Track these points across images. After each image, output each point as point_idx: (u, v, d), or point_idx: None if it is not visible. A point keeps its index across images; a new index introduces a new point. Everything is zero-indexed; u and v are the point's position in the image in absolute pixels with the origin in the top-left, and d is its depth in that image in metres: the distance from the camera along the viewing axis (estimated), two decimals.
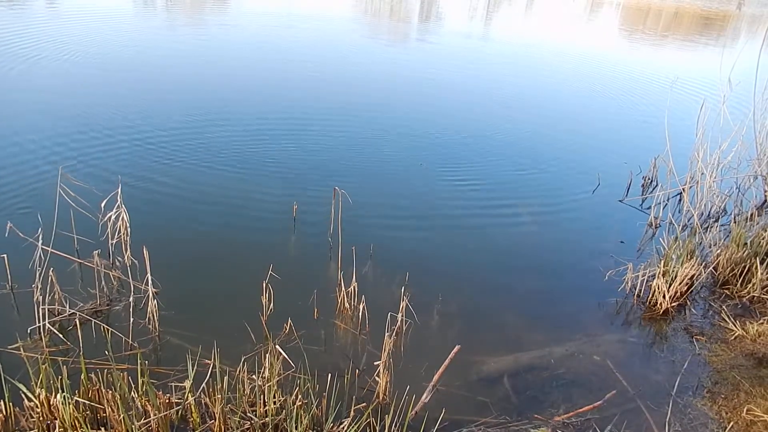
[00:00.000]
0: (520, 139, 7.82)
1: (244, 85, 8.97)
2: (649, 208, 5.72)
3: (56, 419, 2.68)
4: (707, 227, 5.30)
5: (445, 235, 5.11)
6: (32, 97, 7.36)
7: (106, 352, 3.09)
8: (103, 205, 3.84)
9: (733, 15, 29.10)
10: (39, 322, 3.33)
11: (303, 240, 4.69)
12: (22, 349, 3.14)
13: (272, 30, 13.02)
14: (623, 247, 5.19)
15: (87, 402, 2.74)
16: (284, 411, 2.83)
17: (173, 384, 3.03)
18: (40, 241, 3.62)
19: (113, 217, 3.83)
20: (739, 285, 4.56)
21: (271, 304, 3.59)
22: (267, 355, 2.91)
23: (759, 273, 4.46)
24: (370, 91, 9.33)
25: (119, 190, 3.75)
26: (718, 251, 4.72)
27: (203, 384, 2.92)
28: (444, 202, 5.71)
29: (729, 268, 4.62)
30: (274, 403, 2.84)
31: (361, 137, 7.15)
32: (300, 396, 2.84)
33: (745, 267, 4.58)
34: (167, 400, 2.83)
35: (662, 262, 4.34)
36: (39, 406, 2.72)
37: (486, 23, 20.59)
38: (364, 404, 3.05)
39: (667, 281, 4.23)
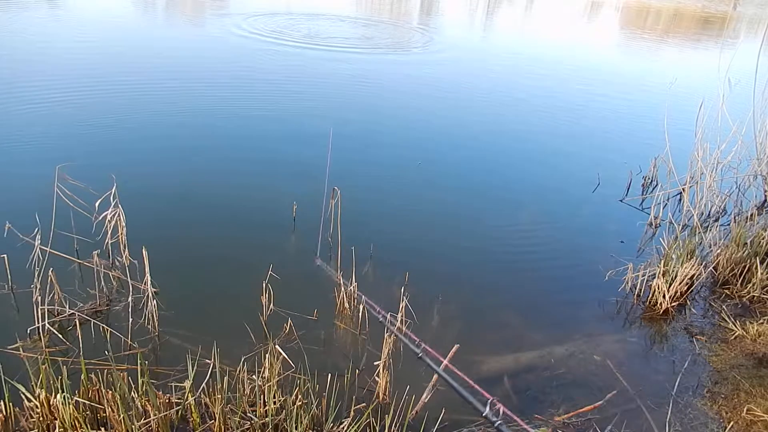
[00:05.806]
0: (520, 139, 7.82)
1: (244, 85, 8.96)
2: (649, 207, 5.72)
3: (56, 419, 2.68)
4: (707, 227, 5.30)
5: (445, 235, 5.10)
6: (27, 95, 7.35)
7: (106, 352, 3.09)
8: (97, 204, 3.83)
9: (731, 15, 29.12)
10: (38, 323, 3.33)
11: (303, 240, 4.68)
12: (21, 349, 3.14)
13: (270, 29, 13.00)
14: (623, 247, 5.19)
15: (87, 402, 2.74)
16: (284, 411, 2.83)
17: (173, 384, 3.02)
18: (38, 241, 3.61)
19: (110, 217, 3.82)
20: (739, 285, 4.56)
21: (271, 304, 3.59)
22: (267, 355, 2.90)
23: (759, 273, 4.46)
24: (368, 91, 9.33)
25: (114, 189, 3.74)
26: (718, 251, 4.72)
27: (203, 384, 2.92)
28: (444, 202, 5.71)
29: (729, 268, 4.62)
30: (274, 403, 2.84)
31: (361, 137, 7.15)
32: (300, 396, 2.83)
33: (745, 267, 4.59)
34: (167, 400, 2.83)
35: (662, 261, 4.34)
36: (39, 406, 2.71)
37: (485, 23, 20.58)
38: (364, 404, 3.04)
39: (667, 281, 4.23)
